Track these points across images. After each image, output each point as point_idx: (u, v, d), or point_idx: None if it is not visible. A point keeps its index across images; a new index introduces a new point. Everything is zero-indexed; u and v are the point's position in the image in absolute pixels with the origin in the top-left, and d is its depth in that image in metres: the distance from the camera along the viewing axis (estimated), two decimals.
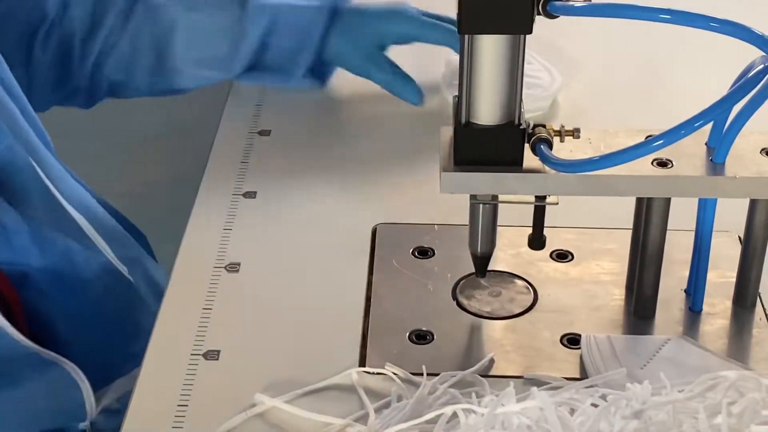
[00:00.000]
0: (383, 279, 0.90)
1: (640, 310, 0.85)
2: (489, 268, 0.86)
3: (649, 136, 0.76)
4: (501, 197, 0.81)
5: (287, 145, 1.08)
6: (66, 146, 1.08)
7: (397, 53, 1.14)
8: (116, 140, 1.64)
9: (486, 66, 0.76)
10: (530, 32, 0.74)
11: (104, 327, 0.99)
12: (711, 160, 0.78)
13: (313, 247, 0.94)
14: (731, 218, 0.86)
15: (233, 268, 0.91)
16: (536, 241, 0.84)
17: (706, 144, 0.79)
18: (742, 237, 0.85)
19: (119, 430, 0.77)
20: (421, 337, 0.84)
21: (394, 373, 0.80)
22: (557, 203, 0.81)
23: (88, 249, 0.98)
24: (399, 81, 1.12)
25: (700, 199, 0.82)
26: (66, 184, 1.00)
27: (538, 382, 0.78)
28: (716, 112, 0.74)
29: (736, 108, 0.75)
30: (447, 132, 0.80)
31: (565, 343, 0.83)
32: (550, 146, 0.78)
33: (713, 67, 1.03)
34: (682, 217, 0.83)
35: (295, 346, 0.84)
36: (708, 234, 0.83)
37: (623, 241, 0.89)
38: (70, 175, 1.02)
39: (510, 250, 0.92)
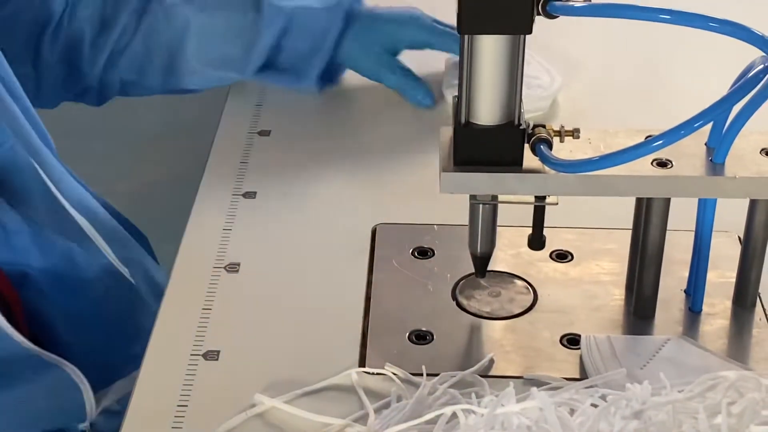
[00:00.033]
0: (383, 279, 0.90)
1: (639, 310, 0.85)
2: (489, 268, 0.86)
3: (649, 136, 0.76)
4: (501, 197, 0.81)
5: (287, 145, 1.08)
6: (66, 146, 1.07)
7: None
8: (116, 140, 1.63)
9: (486, 66, 0.76)
10: (530, 32, 0.74)
11: (105, 328, 0.99)
12: (711, 160, 0.78)
13: (313, 246, 0.94)
14: (731, 218, 0.85)
15: (233, 268, 0.91)
16: (536, 241, 0.84)
17: (705, 144, 0.79)
18: (741, 237, 0.85)
19: (119, 430, 0.77)
20: (420, 337, 0.84)
21: (394, 374, 0.80)
22: (557, 203, 0.81)
23: (88, 250, 0.98)
24: (411, 84, 1.12)
25: (699, 199, 0.82)
26: (67, 184, 0.99)
27: (538, 383, 0.78)
28: (716, 112, 0.74)
29: (736, 108, 0.75)
30: (447, 132, 0.80)
31: (565, 343, 0.83)
32: (550, 146, 0.78)
33: (713, 67, 1.03)
34: (682, 217, 0.83)
35: (295, 346, 0.84)
36: (708, 234, 0.83)
37: (623, 241, 0.89)
38: (71, 176, 1.02)
39: (510, 251, 0.92)
